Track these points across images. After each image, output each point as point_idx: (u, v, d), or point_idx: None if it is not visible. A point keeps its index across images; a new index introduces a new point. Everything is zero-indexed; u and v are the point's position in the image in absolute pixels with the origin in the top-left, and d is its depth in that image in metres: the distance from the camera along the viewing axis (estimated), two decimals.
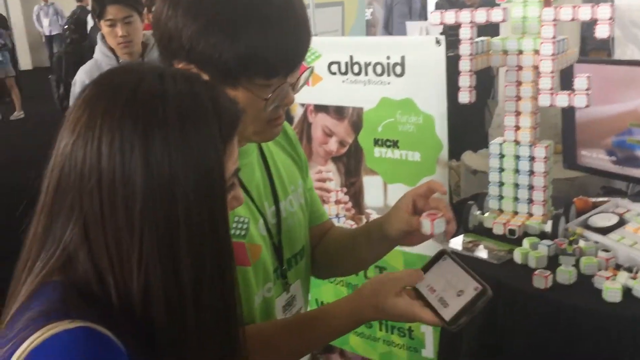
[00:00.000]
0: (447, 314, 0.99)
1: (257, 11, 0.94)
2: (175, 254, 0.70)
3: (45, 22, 10.20)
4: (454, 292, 1.00)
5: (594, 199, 1.79)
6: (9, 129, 8.52)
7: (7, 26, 8.96)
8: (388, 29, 3.64)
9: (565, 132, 1.88)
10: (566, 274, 1.37)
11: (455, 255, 1.05)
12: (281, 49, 0.95)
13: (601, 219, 1.60)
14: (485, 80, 3.27)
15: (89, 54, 2.83)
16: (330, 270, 1.36)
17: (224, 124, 0.75)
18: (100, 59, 2.62)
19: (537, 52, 1.51)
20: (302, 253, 1.26)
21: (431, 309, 1.00)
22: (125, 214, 0.69)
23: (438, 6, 4.41)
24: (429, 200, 1.09)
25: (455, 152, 3.21)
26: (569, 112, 1.82)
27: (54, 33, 11.19)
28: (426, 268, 1.06)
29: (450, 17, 1.55)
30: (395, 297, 1.00)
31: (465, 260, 1.57)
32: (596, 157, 1.81)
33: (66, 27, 8.87)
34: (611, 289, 1.29)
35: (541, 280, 1.37)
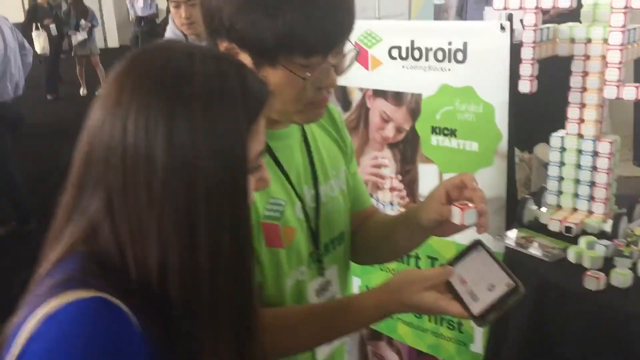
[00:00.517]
0: (476, 308, 0.96)
1: None
2: (193, 232, 0.71)
3: (140, 2, 10.49)
4: (485, 285, 0.97)
5: None
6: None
7: (86, 9, 9.35)
8: (462, 15, 3.54)
9: (637, 126, 1.77)
10: (620, 276, 1.30)
11: (489, 248, 1.01)
12: (320, 28, 0.94)
13: None
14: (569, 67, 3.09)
15: (163, 33, 2.92)
16: (369, 256, 1.35)
17: (250, 105, 0.75)
18: (170, 38, 2.69)
19: (606, 41, 1.42)
20: (340, 239, 1.25)
21: (460, 302, 0.98)
22: (146, 189, 0.70)
23: None
24: (464, 192, 1.06)
25: (528, 144, 3.08)
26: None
27: (146, 14, 11.49)
28: (459, 258, 1.04)
29: (514, 2, 1.48)
30: (422, 292, 0.98)
31: (517, 256, 1.54)
32: None
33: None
34: None
35: (592, 282, 1.30)
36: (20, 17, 9.85)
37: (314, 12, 0.93)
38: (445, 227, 1.11)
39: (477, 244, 1.03)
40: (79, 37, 9.34)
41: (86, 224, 0.73)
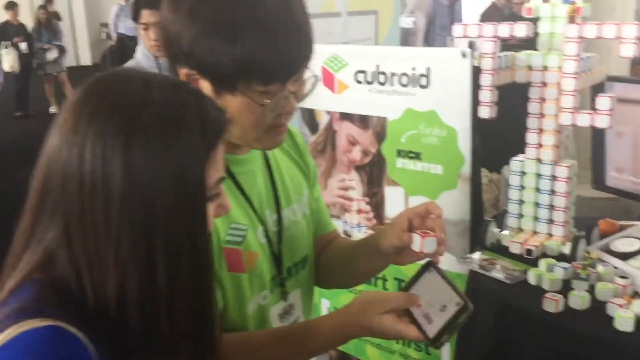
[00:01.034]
0: (431, 330, 0.98)
1: (255, 16, 0.95)
2: (150, 259, 0.72)
3: (127, 22, 10.38)
4: (438, 307, 0.99)
5: (622, 222, 1.73)
6: None
7: (57, 28, 9.36)
8: (428, 41, 3.61)
9: (594, 151, 1.82)
10: (578, 298, 1.33)
11: (439, 268, 1.04)
12: (279, 55, 0.95)
13: (623, 244, 1.55)
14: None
15: (133, 53, 2.91)
16: (332, 280, 1.36)
17: (208, 133, 0.76)
18: (141, 59, 2.69)
19: (561, 68, 1.47)
20: (304, 262, 1.26)
21: (416, 325, 1.00)
22: (103, 217, 0.70)
23: (485, 17, 4.33)
24: (426, 220, 1.08)
25: (497, 165, 3.14)
26: (598, 131, 1.77)
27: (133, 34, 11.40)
28: (414, 280, 1.06)
29: (473, 30, 1.53)
30: (381, 315, 0.99)
31: (480, 278, 1.56)
32: (625, 179, 1.75)
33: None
34: (623, 318, 1.25)
35: (551, 304, 1.33)
36: None
37: (272, 40, 0.95)
38: (404, 255, 1.13)
39: (429, 265, 1.06)
40: (50, 55, 9.28)
41: (43, 251, 0.74)
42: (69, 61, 11.48)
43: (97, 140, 0.70)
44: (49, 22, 9.72)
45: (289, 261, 1.22)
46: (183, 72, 1.00)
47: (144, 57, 2.69)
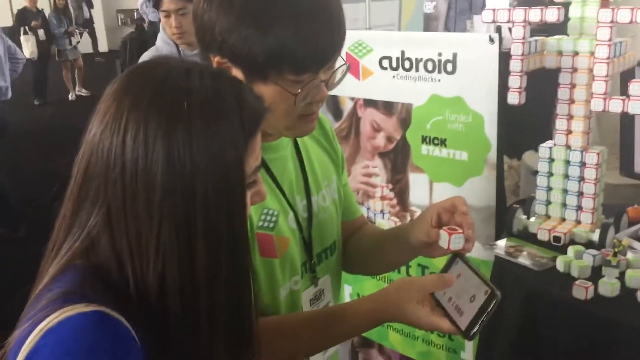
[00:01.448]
0: (463, 322, 0.98)
1: (288, 6, 0.95)
2: (191, 246, 0.72)
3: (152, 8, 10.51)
4: (467, 297, 0.99)
5: None
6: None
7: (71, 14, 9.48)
8: (447, 25, 3.58)
9: (623, 138, 1.80)
10: (608, 285, 1.32)
11: (466, 258, 1.04)
12: (311, 45, 0.95)
13: None
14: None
15: (153, 40, 2.91)
16: (359, 267, 1.36)
17: (247, 121, 0.76)
18: (161, 46, 2.69)
19: (593, 54, 1.45)
20: (333, 248, 1.26)
21: (448, 317, 1.00)
22: (145, 204, 0.71)
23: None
24: (455, 215, 1.08)
25: (517, 151, 3.11)
26: (627, 118, 1.74)
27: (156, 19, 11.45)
28: (442, 272, 1.06)
29: (503, 15, 1.51)
30: (417, 304, 1.00)
31: (507, 265, 1.56)
32: None
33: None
34: None
35: (581, 291, 1.32)
36: (8, 22, 9.81)
37: (304, 30, 0.94)
38: (433, 250, 1.13)
39: (455, 256, 1.06)
40: (73, 41, 9.36)
41: (85, 237, 0.74)
42: (85, 48, 11.56)
43: (139, 128, 0.71)
44: (66, 8, 9.78)
45: (319, 247, 1.22)
46: (215, 60, 1.01)
47: (164, 45, 2.70)
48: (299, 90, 0.99)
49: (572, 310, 1.34)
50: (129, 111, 0.71)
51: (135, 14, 12.21)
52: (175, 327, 0.73)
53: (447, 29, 3.95)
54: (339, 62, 1.05)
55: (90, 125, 0.75)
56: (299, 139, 1.21)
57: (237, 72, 1.00)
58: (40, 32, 9.14)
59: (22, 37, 8.69)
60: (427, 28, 3.37)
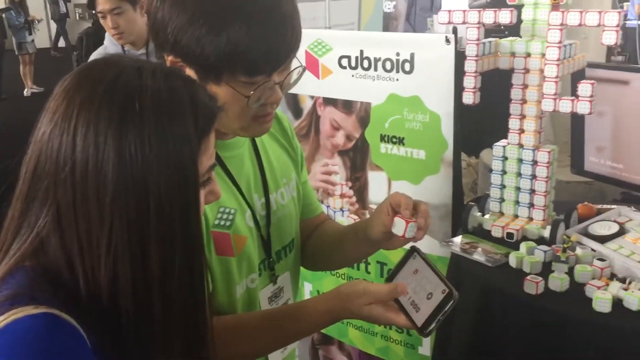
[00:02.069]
0: (419, 319, 1.00)
1: (241, 7, 0.94)
2: (144, 245, 0.72)
3: None
4: (424, 294, 1.01)
5: (599, 206, 1.77)
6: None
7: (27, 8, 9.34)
8: (410, 21, 3.62)
9: (574, 137, 1.86)
10: (558, 280, 1.36)
11: (423, 254, 1.06)
12: (264, 47, 0.95)
13: (601, 227, 1.58)
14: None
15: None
16: (319, 263, 1.37)
17: (200, 120, 0.76)
18: (109, 46, 2.65)
19: (544, 55, 1.49)
20: (291, 245, 1.27)
21: (404, 313, 1.01)
22: (96, 203, 0.70)
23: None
24: (411, 206, 1.10)
25: (476, 149, 3.17)
26: (577, 117, 1.80)
27: None
28: (399, 267, 1.08)
29: (458, 16, 1.54)
30: (370, 306, 1.02)
31: (462, 262, 1.59)
32: (603, 164, 1.79)
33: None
34: (601, 299, 1.28)
35: (532, 286, 1.36)
36: None
37: (257, 32, 0.94)
38: (392, 241, 1.15)
39: (413, 251, 1.08)
40: (29, 37, 9.16)
41: (34, 238, 0.73)
42: (43, 42, 11.28)
43: (90, 127, 0.70)
44: (22, 1, 9.54)
45: (277, 244, 1.23)
46: (169, 59, 1.00)
47: (111, 44, 2.65)
48: (252, 92, 0.99)
49: (523, 305, 1.38)
50: (79, 110, 0.71)
51: None
52: (129, 328, 0.73)
53: (409, 25, 4.00)
54: (295, 63, 1.06)
55: (39, 123, 0.74)
56: (256, 137, 1.21)
57: (190, 72, 0.99)
58: None
59: None
60: (386, 27, 3.41)
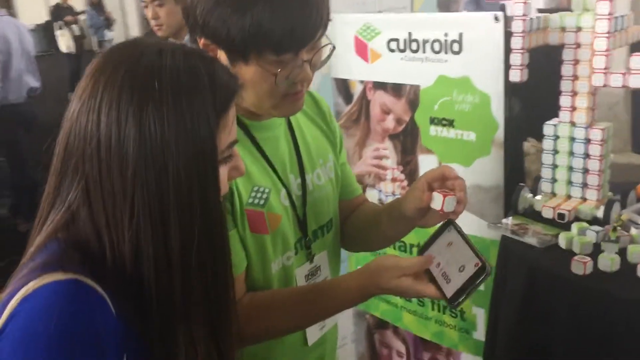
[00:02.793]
0: (449, 290, 0.99)
1: None
2: (164, 218, 0.75)
3: None
4: (457, 266, 1.01)
5: None
6: None
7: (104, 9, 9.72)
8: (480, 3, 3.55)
9: (635, 115, 1.78)
10: (607, 260, 1.32)
11: (459, 227, 1.05)
12: (288, 25, 0.97)
13: None
14: None
15: None
16: (358, 244, 1.39)
17: (219, 98, 0.79)
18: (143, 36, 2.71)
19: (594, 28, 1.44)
20: (329, 225, 1.29)
21: (435, 284, 1.01)
22: (119, 177, 0.74)
23: None
24: (447, 182, 1.10)
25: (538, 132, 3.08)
26: (638, 93, 1.72)
27: None
28: (433, 239, 1.08)
29: None
30: (398, 278, 1.02)
31: (511, 243, 1.56)
32: None
33: None
34: None
35: (579, 266, 1.32)
36: (44, 18, 10.06)
37: (280, 10, 0.96)
38: (428, 217, 1.14)
39: (449, 224, 1.07)
40: (108, 35, 9.56)
41: (66, 211, 0.78)
42: (120, 39, 11.73)
43: (113, 105, 0.74)
44: (99, 2, 9.97)
45: (314, 224, 1.25)
46: (201, 42, 1.04)
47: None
48: (279, 70, 1.01)
49: (571, 285, 1.34)
50: (103, 89, 0.75)
51: None
52: (151, 296, 0.77)
53: (476, 6, 3.90)
54: (325, 41, 1.07)
55: (70, 103, 0.79)
56: (292, 118, 1.24)
57: (221, 54, 1.02)
58: (75, 27, 9.35)
59: (58, 32, 8.89)
60: (446, 10, 3.35)
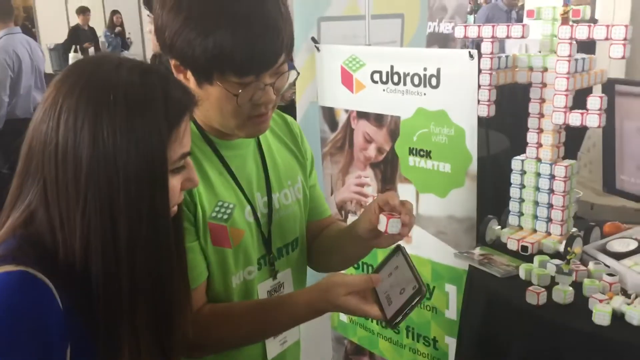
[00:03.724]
0: (389, 311, 1.05)
1: (227, 12, 1.02)
2: (114, 220, 0.82)
3: None
4: (399, 289, 1.06)
5: (628, 225, 1.73)
6: None
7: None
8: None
9: (605, 154, 1.83)
10: (561, 292, 1.36)
11: (406, 252, 1.10)
12: (248, 49, 1.03)
13: (620, 244, 1.55)
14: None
15: None
16: (322, 264, 1.44)
17: (171, 111, 0.85)
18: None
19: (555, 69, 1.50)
20: (294, 244, 1.34)
21: (379, 306, 1.07)
22: (73, 179, 0.81)
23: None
24: (396, 206, 1.15)
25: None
26: (608, 135, 1.78)
27: None
28: (383, 262, 1.13)
29: (473, 31, 1.58)
30: (346, 296, 1.07)
31: (476, 273, 1.60)
32: (634, 182, 1.75)
33: None
34: (600, 312, 1.27)
35: (533, 297, 1.36)
36: (64, 37, 10.25)
37: (241, 35, 1.02)
38: (381, 239, 1.20)
39: (397, 249, 1.12)
40: (125, 53, 9.76)
41: (25, 209, 0.85)
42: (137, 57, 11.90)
43: (70, 114, 0.81)
44: (121, 28, 10.20)
45: (279, 242, 1.30)
46: (172, 63, 1.11)
47: None
48: (240, 92, 1.07)
49: (525, 315, 1.38)
50: (63, 99, 0.82)
51: None
52: (98, 292, 0.83)
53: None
54: (286, 67, 1.14)
55: (36, 110, 0.86)
56: (262, 139, 1.30)
57: (189, 74, 1.09)
58: (91, 50, 9.54)
59: (71, 55, 9.08)
60: (444, 47, 3.44)
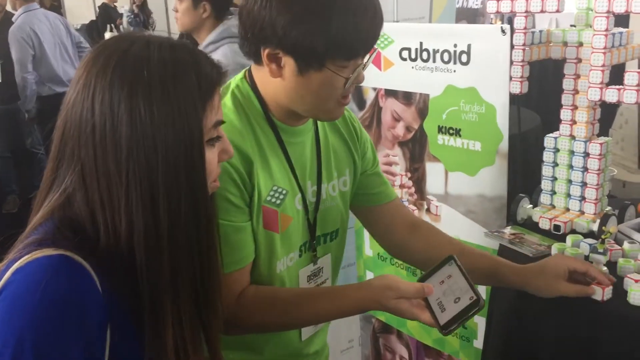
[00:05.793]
0: (443, 318, 1.05)
1: (343, 2, 1.06)
2: (154, 197, 0.82)
3: None
4: (453, 297, 1.07)
5: None
6: None
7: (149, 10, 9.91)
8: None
9: None
10: None
11: (459, 262, 1.10)
12: (362, 32, 1.07)
13: None
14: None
15: None
16: (408, 259, 1.50)
17: (203, 85, 0.85)
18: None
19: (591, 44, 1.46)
20: (334, 234, 1.35)
21: (430, 310, 1.07)
22: (114, 160, 0.81)
23: None
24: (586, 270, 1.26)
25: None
26: None
27: None
28: (434, 270, 1.13)
29: (506, 5, 1.54)
30: (397, 300, 1.08)
31: (507, 252, 1.59)
32: None
33: None
34: (636, 292, 1.25)
35: None
36: (89, 18, 10.32)
37: (357, 19, 1.06)
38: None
39: (450, 259, 1.12)
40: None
41: (62, 192, 0.85)
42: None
43: (105, 93, 0.81)
44: (144, 5, 10.20)
45: (320, 230, 1.31)
46: (267, 51, 1.10)
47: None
48: (351, 75, 1.10)
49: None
50: (96, 79, 0.82)
51: None
52: (141, 272, 0.83)
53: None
54: None
55: (67, 92, 0.86)
56: (321, 130, 1.30)
57: (288, 60, 1.09)
58: (121, 27, 9.57)
59: (107, 34, 9.11)
60: (473, 22, 3.38)
